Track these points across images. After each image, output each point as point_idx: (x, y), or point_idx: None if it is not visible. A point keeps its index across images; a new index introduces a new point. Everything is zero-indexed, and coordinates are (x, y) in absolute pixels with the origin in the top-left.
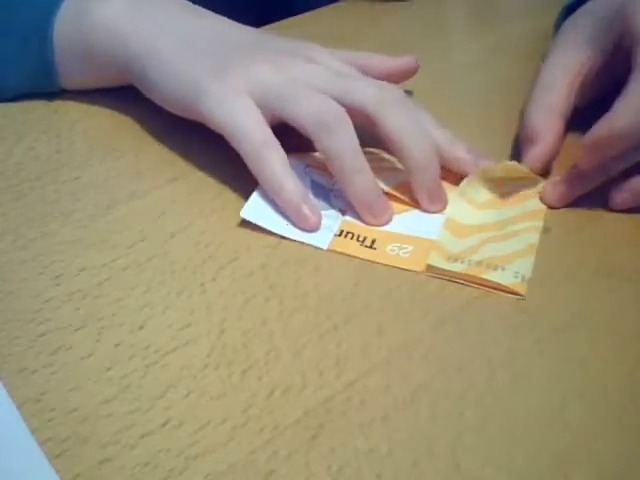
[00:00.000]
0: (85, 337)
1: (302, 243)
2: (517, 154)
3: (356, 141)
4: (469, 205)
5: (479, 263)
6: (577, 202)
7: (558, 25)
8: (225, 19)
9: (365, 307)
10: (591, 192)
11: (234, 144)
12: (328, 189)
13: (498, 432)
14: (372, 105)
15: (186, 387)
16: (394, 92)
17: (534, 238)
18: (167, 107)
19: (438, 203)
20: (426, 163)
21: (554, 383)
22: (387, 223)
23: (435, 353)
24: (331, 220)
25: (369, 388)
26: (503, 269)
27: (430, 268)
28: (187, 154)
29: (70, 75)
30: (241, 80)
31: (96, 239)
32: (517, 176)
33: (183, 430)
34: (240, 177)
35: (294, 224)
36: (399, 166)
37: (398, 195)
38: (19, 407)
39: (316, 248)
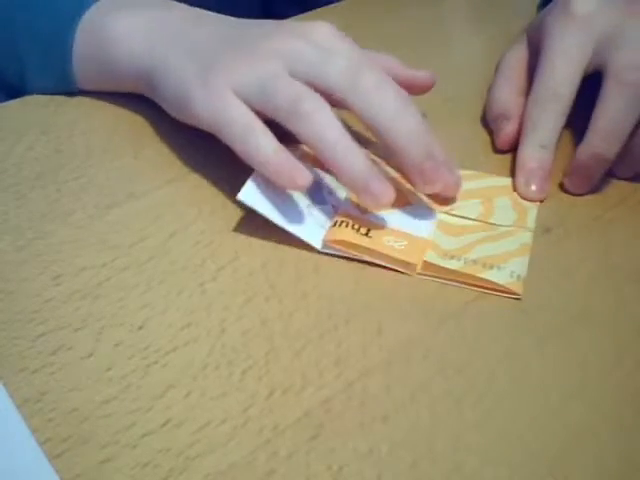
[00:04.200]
0: (85, 337)
1: (298, 239)
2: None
3: (336, 121)
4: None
5: (475, 261)
6: (577, 202)
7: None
8: (224, 17)
9: (365, 307)
10: (591, 192)
11: (221, 137)
12: (320, 184)
13: (498, 432)
14: (343, 89)
15: (186, 387)
16: (370, 71)
17: (527, 238)
18: (176, 117)
19: (432, 184)
20: (413, 138)
21: (554, 383)
22: (388, 204)
23: (435, 353)
24: (325, 216)
25: (369, 388)
26: (499, 268)
27: (427, 265)
28: (187, 154)
29: (88, 85)
30: (224, 80)
31: (96, 239)
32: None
33: (183, 430)
34: (240, 177)
35: (288, 210)
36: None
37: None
38: (19, 407)
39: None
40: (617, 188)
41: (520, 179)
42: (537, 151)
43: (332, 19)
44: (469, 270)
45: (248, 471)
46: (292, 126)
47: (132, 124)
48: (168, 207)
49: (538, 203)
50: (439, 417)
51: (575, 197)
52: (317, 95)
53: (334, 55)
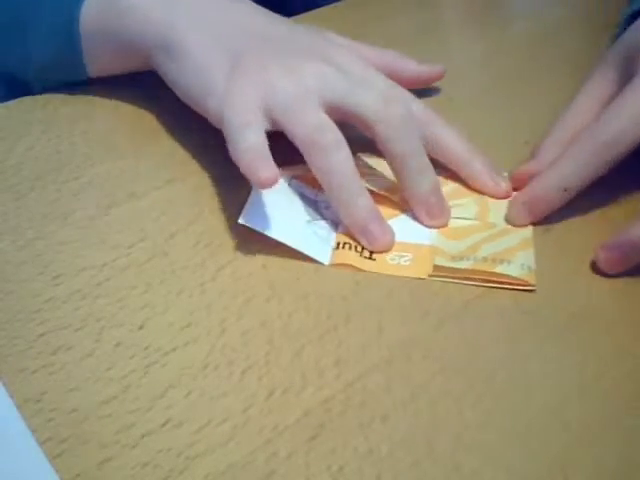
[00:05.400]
0: (85, 337)
1: (304, 255)
2: (518, 154)
3: (349, 161)
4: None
5: (485, 259)
6: (577, 202)
7: (618, 35)
8: (257, 7)
9: (365, 307)
10: (591, 192)
11: (224, 131)
12: (315, 201)
13: (498, 432)
14: (372, 123)
15: (186, 387)
16: (398, 106)
17: (528, 233)
18: (184, 100)
19: (438, 218)
20: (419, 176)
21: (554, 383)
22: (386, 249)
23: (435, 353)
24: (326, 231)
25: (369, 388)
26: (509, 262)
27: (437, 268)
28: (187, 155)
29: (95, 60)
30: (252, 86)
31: (96, 239)
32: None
33: (183, 430)
34: (240, 178)
35: (290, 228)
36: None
37: (387, 195)
38: (19, 407)
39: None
40: (617, 188)
41: (520, 205)
42: (555, 192)
43: (331, 19)
44: (482, 267)
45: (248, 471)
46: (306, 154)
47: (132, 124)
48: (168, 207)
49: None
50: (439, 417)
51: (574, 197)
52: (337, 130)
53: (363, 82)
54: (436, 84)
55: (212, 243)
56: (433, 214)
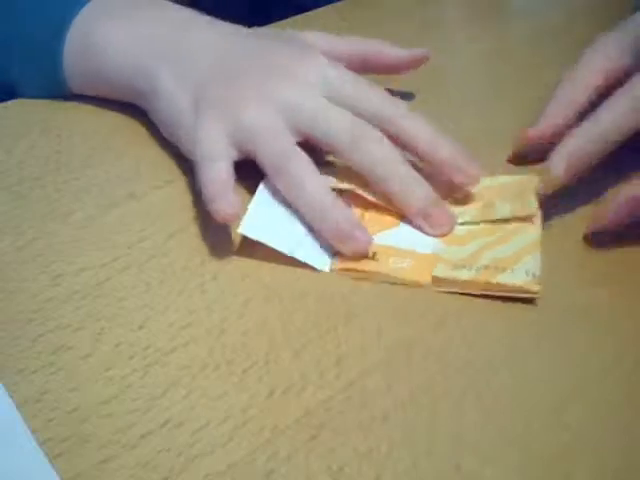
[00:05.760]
0: (85, 337)
1: (304, 264)
2: (518, 154)
3: (318, 182)
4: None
5: (487, 267)
6: (577, 202)
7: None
8: (224, 28)
9: (365, 307)
10: (590, 192)
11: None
12: None
13: (498, 432)
14: (343, 145)
15: (186, 387)
16: (370, 134)
17: (536, 235)
18: (165, 137)
19: (438, 227)
20: (407, 191)
21: (554, 383)
22: (364, 253)
23: (435, 353)
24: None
25: (369, 388)
26: (512, 270)
27: (437, 280)
28: None
29: (80, 91)
30: (214, 117)
31: (96, 239)
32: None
33: (183, 430)
34: (239, 178)
35: (290, 237)
36: None
37: (385, 205)
38: (19, 407)
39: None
40: (616, 188)
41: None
42: (584, 142)
43: (330, 20)
44: (483, 277)
45: (248, 471)
46: (275, 181)
47: (132, 124)
48: (168, 207)
49: (535, 186)
50: (439, 417)
51: (574, 197)
52: (303, 155)
53: (331, 106)
54: (435, 83)
55: (212, 243)
56: (435, 225)
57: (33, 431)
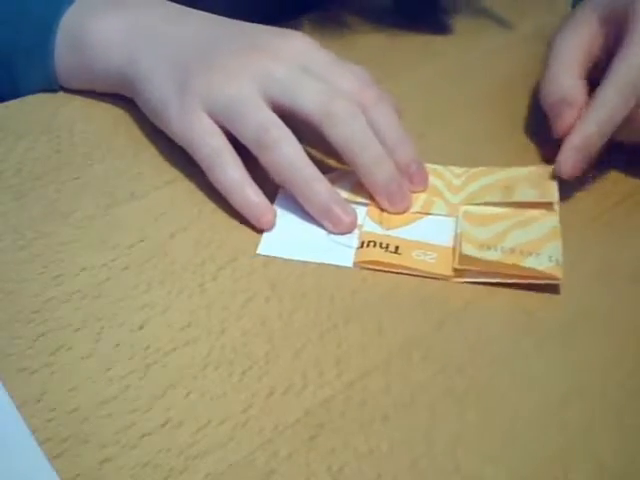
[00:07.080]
0: (85, 337)
1: (329, 264)
2: (519, 154)
3: (299, 151)
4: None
5: (512, 250)
6: (576, 202)
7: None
8: (211, 19)
9: (365, 307)
10: (590, 192)
11: (193, 156)
12: None
13: (498, 432)
14: (316, 116)
15: (186, 387)
16: (342, 99)
17: (555, 221)
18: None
19: (399, 203)
20: (376, 166)
21: (554, 383)
22: (349, 229)
23: (435, 353)
24: (346, 237)
25: (369, 388)
26: (537, 254)
27: (464, 258)
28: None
29: (71, 86)
30: (198, 99)
31: (96, 239)
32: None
33: (183, 430)
34: None
35: (311, 244)
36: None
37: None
38: (19, 407)
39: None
40: (615, 188)
41: (561, 153)
42: (590, 129)
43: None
44: (510, 260)
45: (248, 471)
46: (256, 153)
47: (132, 124)
48: (168, 207)
49: (554, 175)
50: (439, 417)
51: (574, 197)
52: (282, 124)
53: (307, 78)
54: (435, 85)
55: (212, 243)
56: (394, 201)
57: (33, 431)
